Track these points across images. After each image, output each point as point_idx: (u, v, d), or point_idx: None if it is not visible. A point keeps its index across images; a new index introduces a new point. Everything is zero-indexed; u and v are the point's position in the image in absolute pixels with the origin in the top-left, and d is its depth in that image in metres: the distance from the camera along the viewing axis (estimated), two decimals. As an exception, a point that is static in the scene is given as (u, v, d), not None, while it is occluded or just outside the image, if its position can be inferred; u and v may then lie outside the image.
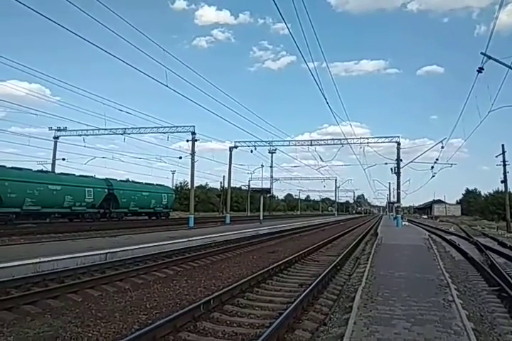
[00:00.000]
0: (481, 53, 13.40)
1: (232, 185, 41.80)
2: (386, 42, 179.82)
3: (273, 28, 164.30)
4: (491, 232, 30.41)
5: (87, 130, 33.21)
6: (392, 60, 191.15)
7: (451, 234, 28.89)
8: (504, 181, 34.67)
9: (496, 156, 34.98)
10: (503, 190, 37.95)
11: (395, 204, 36.46)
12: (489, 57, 13.39)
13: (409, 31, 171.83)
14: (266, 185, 63.20)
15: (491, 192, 70.59)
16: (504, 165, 34.05)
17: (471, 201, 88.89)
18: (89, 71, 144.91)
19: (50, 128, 36.27)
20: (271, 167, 66.83)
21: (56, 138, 36.61)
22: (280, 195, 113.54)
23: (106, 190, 31.50)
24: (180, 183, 71.88)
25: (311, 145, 35.44)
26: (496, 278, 9.21)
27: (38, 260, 9.13)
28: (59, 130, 36.17)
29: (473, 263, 12.66)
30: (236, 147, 35.12)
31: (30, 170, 26.73)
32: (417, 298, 6.42)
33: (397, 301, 6.23)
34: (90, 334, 5.10)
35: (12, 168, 24.98)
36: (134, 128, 31.73)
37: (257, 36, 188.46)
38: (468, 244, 20.10)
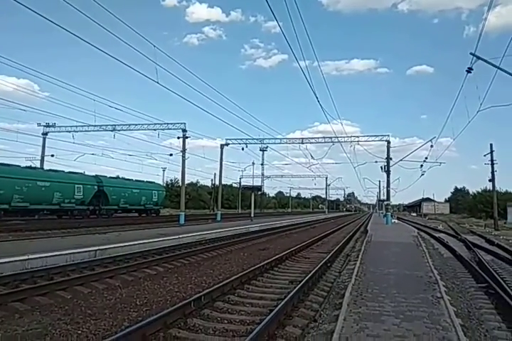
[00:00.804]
0: (470, 54, 13.55)
1: (223, 183, 41.81)
2: (377, 42, 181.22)
3: (264, 26, 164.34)
4: (479, 230, 30.81)
5: (76, 126, 32.94)
6: (383, 60, 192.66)
7: (440, 231, 29.19)
8: (492, 180, 35.13)
9: (484, 155, 35.42)
10: (491, 188, 38.44)
11: (385, 202, 36.76)
12: (478, 58, 13.54)
13: (400, 31, 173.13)
14: (257, 182, 63.32)
15: (479, 190, 71.51)
16: (492, 164, 34.49)
17: (459, 199, 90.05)
18: (79, 67, 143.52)
19: (39, 124, 35.95)
20: (262, 164, 67.04)
21: (45, 134, 36.25)
22: (271, 192, 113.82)
23: (95, 187, 31.26)
24: (171, 180, 71.77)
25: (302, 143, 35.59)
26: (484, 275, 9.33)
27: (26, 257, 9.04)
28: (48, 126, 35.81)
29: (461, 260, 12.81)
30: (227, 144, 35.12)
31: (19, 166, 26.44)
32: (406, 295, 6.49)
33: (386, 298, 6.29)
34: (80, 332, 5.07)
35: (0, 164, 24.66)
36: (124, 124, 31.52)
37: (248, 34, 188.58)
38: (457, 242, 20.33)
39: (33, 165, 31.52)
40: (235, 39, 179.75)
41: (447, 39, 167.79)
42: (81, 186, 29.49)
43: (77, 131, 33.15)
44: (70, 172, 30.26)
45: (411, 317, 5.25)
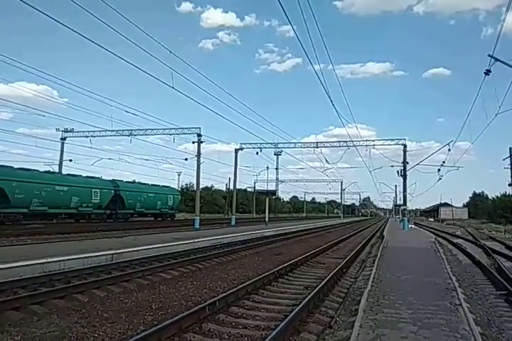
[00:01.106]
0: (488, 55, 13.32)
1: (237, 187, 41.86)
2: (392, 45, 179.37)
3: (279, 31, 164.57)
4: (498, 236, 30.16)
5: (93, 131, 33.49)
6: (399, 63, 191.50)
7: (458, 237, 28.67)
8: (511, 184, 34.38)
9: (504, 159, 34.64)
10: (511, 193, 37.63)
11: (401, 207, 36.28)
12: (496, 60, 13.31)
13: (416, 33, 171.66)
14: (271, 186, 63.30)
15: (499, 195, 70.10)
16: (512, 168, 33.76)
17: (478, 204, 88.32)
18: (96, 72, 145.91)
19: (57, 130, 36.65)
20: (276, 169, 66.91)
21: (63, 139, 36.93)
22: (286, 197, 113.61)
23: (112, 191, 31.66)
24: (186, 185, 72.26)
25: (317, 147, 35.41)
26: (504, 282, 9.12)
27: (44, 260, 9.19)
28: (66, 131, 36.48)
29: (480, 266, 12.54)
30: (242, 149, 35.18)
31: (38, 170, 26.96)
32: (423, 302, 6.38)
33: (403, 304, 6.19)
34: (96, 335, 5.12)
35: (19, 168, 25.20)
36: (140, 129, 31.93)
37: (262, 38, 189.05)
38: (475, 248, 19.93)
39: (51, 170, 32.13)
40: (249, 44, 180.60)
41: (464, 41, 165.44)
42: (98, 190, 29.92)
43: (94, 136, 33.71)
44: (87, 177, 30.74)
45: (429, 324, 5.15)
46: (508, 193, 55.95)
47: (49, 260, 9.29)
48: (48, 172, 29.08)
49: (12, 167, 24.81)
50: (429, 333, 4.77)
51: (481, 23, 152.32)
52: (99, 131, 33.12)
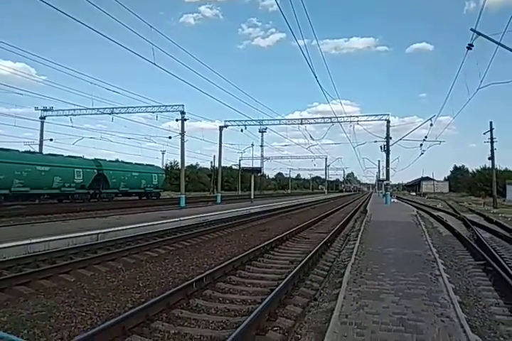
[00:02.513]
0: (471, 29, 13.24)
1: (222, 165, 41.74)
2: (376, 20, 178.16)
3: (262, 5, 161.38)
4: (478, 208, 31.01)
5: (74, 110, 32.58)
6: (382, 38, 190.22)
7: (439, 210, 29.41)
8: (491, 158, 35.10)
9: (484, 133, 35.26)
10: (490, 166, 38.46)
11: (384, 182, 36.81)
12: (479, 34, 13.26)
13: (399, 9, 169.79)
14: (256, 164, 63.35)
15: (479, 168, 71.66)
16: (492, 142, 34.38)
17: (458, 178, 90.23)
18: (76, 50, 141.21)
19: (37, 108, 35.56)
20: (261, 146, 66.76)
21: (43, 118, 35.95)
22: (271, 174, 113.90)
23: (95, 171, 31.22)
24: (171, 163, 71.75)
25: (302, 124, 35.28)
26: (482, 253, 9.44)
27: (28, 241, 9.11)
28: (45, 110, 35.47)
29: (459, 238, 12.94)
30: (226, 126, 34.86)
31: (18, 151, 26.31)
32: (405, 273, 6.57)
33: (385, 276, 6.37)
34: (84, 314, 5.15)
35: (-2, 149, 24.57)
36: (122, 107, 31.16)
37: (245, 13, 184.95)
38: (456, 220, 20.50)
39: (31, 150, 31.45)
40: (232, 18, 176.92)
41: (447, 16, 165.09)
42: (81, 170, 29.46)
43: (75, 115, 32.83)
44: (69, 157, 30.17)
45: (410, 294, 5.32)
46: (487, 167, 57.16)
47: (33, 241, 9.21)
48: (29, 152, 28.42)
49: (-10, 147, 24.18)
50: (410, 303, 4.94)
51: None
52: (80, 110, 32.29)
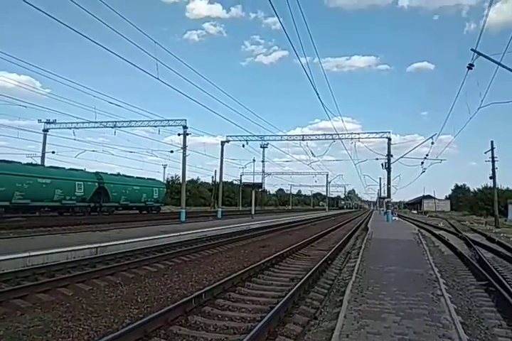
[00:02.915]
0: (471, 50, 13.46)
1: (223, 180, 41.74)
2: (377, 39, 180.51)
3: (265, 23, 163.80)
4: (480, 227, 30.81)
5: (77, 123, 32.87)
6: (384, 57, 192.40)
7: (441, 229, 29.21)
8: (493, 177, 35.10)
9: (485, 152, 35.38)
10: (492, 185, 38.40)
11: (386, 200, 36.72)
12: (479, 54, 13.46)
13: (400, 28, 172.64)
14: (258, 179, 63.20)
15: (480, 188, 71.49)
16: (493, 162, 34.45)
17: (460, 196, 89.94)
18: (80, 64, 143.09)
19: (40, 121, 35.82)
20: (263, 161, 66.69)
21: (46, 130, 36.20)
22: (272, 189, 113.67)
23: (96, 184, 31.26)
24: (172, 177, 71.72)
25: (303, 140, 35.50)
26: (484, 273, 9.34)
27: (27, 254, 9.06)
28: (48, 122, 35.74)
29: (461, 257, 12.82)
30: (228, 141, 35.05)
31: (20, 163, 26.43)
32: (406, 292, 6.50)
33: (387, 295, 6.30)
34: (81, 328, 5.09)
35: (1, 160, 24.67)
36: (124, 121, 31.47)
37: (248, 30, 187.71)
38: (457, 239, 20.35)
39: (33, 162, 31.56)
40: (235, 35, 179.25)
41: (448, 36, 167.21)
42: (82, 183, 29.50)
43: (77, 128, 33.12)
44: (70, 169, 30.26)
45: (411, 314, 5.25)
46: (489, 186, 57.04)
47: (32, 254, 9.16)
48: (30, 164, 28.55)
49: (-7, 159, 24.29)
50: (412, 323, 4.87)
51: (464, 18, 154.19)
52: (83, 123, 32.57)
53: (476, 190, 75.35)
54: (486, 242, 18.40)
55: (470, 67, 13.75)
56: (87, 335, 4.87)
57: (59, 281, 7.51)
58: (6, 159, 25.57)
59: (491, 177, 35.39)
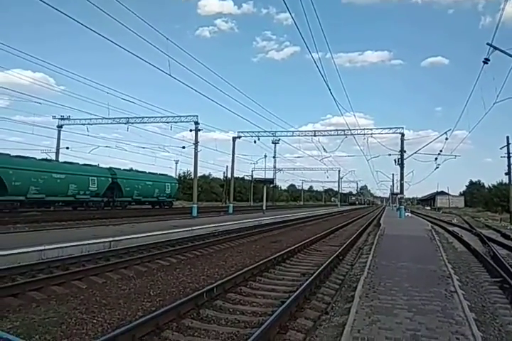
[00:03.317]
0: (487, 44, 13.19)
1: (235, 175, 41.82)
2: (391, 34, 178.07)
3: (276, 18, 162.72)
4: (494, 224, 30.37)
5: (90, 119, 33.26)
6: (397, 51, 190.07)
7: (454, 225, 28.89)
8: (508, 173, 34.46)
9: (501, 148, 34.71)
10: (507, 182, 37.74)
11: (398, 196, 36.37)
12: (495, 48, 13.19)
13: (414, 22, 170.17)
14: (269, 175, 63.29)
15: (495, 184, 70.36)
16: (508, 157, 33.81)
17: (474, 193, 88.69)
18: (93, 60, 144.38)
19: (54, 117, 36.34)
20: (274, 157, 66.65)
21: (60, 126, 36.66)
22: (283, 185, 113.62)
23: (110, 179, 31.60)
24: (184, 173, 72.15)
25: (315, 135, 35.29)
26: (499, 270, 9.22)
27: (42, 247, 9.21)
28: (63, 119, 36.20)
29: (475, 254, 12.67)
30: (239, 137, 35.03)
31: (35, 158, 26.83)
32: (419, 288, 6.45)
33: (399, 291, 6.26)
34: (95, 321, 5.17)
35: (16, 156, 25.07)
36: (137, 117, 31.74)
37: (260, 26, 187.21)
38: (471, 236, 20.10)
39: (48, 158, 31.97)
40: (247, 31, 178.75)
41: (463, 30, 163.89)
42: (95, 178, 29.85)
43: (91, 124, 33.51)
44: (84, 165, 30.62)
45: (424, 310, 5.21)
46: (504, 182, 56.07)
47: (47, 247, 9.31)
48: (45, 159, 28.94)
49: (9, 154, 24.67)
50: (424, 319, 4.83)
51: (479, 12, 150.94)
52: (96, 119, 32.92)
53: (491, 186, 74.23)
54: (501, 239, 18.14)
55: (486, 61, 13.49)
56: (101, 327, 4.95)
57: (73, 274, 7.63)
58: (22, 155, 26.01)
59: (506, 174, 34.75)
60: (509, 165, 34.01)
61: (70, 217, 21.01)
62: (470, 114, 40.99)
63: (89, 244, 10.45)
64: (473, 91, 18.25)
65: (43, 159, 28.50)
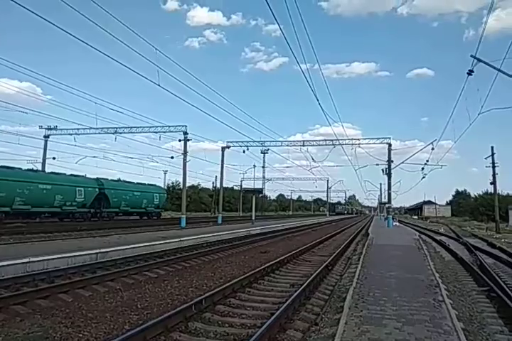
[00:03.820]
0: (471, 56, 13.52)
1: (224, 185, 41.69)
2: (377, 46, 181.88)
3: (265, 30, 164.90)
4: (481, 233, 30.71)
5: (78, 129, 32.96)
6: (383, 63, 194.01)
7: (441, 234, 29.13)
8: (493, 183, 35.06)
9: (486, 158, 35.34)
10: (492, 191, 38.36)
11: (386, 205, 36.66)
12: (479, 60, 13.51)
13: (400, 35, 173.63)
14: (258, 185, 63.21)
15: (481, 193, 71.39)
16: (493, 167, 34.41)
17: (460, 202, 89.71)
18: (82, 70, 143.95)
19: (41, 127, 35.91)
20: (263, 167, 66.67)
21: (46, 136, 36.26)
22: (272, 195, 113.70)
23: (97, 190, 31.27)
24: (172, 183, 71.67)
25: (303, 145, 35.56)
26: (485, 279, 9.31)
27: (27, 260, 9.05)
28: (49, 129, 35.83)
29: (462, 263, 12.78)
30: (228, 147, 35.11)
31: (20, 169, 26.47)
32: (407, 298, 6.47)
33: (387, 301, 6.27)
34: (81, 335, 5.07)
35: (1, 166, 24.72)
36: (125, 127, 31.56)
37: (249, 37, 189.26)
38: (458, 245, 20.29)
39: (34, 168, 31.59)
40: (235, 42, 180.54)
41: (447, 42, 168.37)
42: (82, 189, 29.51)
43: (78, 134, 33.20)
44: (71, 175, 30.29)
45: (412, 320, 5.23)
46: (489, 191, 56.94)
47: (32, 259, 9.15)
48: (31, 170, 28.59)
49: (-6, 165, 24.33)
50: (413, 329, 4.85)
51: (463, 25, 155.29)
52: (84, 129, 32.65)
53: (476, 195, 75.29)
54: (487, 248, 18.35)
55: (470, 73, 13.80)
56: (87, 342, 4.85)
57: (59, 287, 7.49)
58: (7, 165, 25.65)
59: (491, 183, 35.35)
60: (494, 175, 34.61)
61: (56, 229, 20.69)
62: (455, 124, 41.57)
63: (75, 256, 10.30)
64: (458, 102, 18.60)
65: (28, 169, 28.14)
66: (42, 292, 7.08)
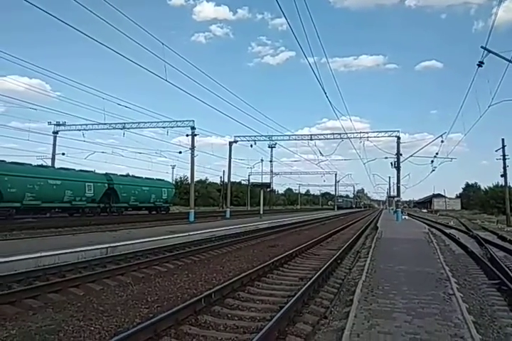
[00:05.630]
0: (481, 47, 13.31)
1: (232, 180, 41.85)
2: (385, 38, 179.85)
3: (271, 24, 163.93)
4: (491, 226, 30.46)
5: (86, 125, 33.17)
6: (391, 56, 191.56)
7: (451, 227, 28.96)
8: (504, 175, 34.64)
9: (496, 150, 34.92)
10: (503, 184, 37.94)
11: (395, 199, 36.49)
12: (489, 51, 13.30)
13: (408, 27, 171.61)
14: (266, 179, 63.30)
15: (491, 186, 70.70)
16: (504, 160, 34.00)
17: (470, 195, 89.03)
18: (90, 66, 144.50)
19: (50, 123, 36.21)
20: (271, 161, 66.72)
21: (56, 132, 36.55)
22: (280, 189, 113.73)
23: (106, 185, 31.50)
24: (180, 178, 71.96)
25: (311, 139, 35.39)
26: (496, 272, 9.23)
27: (38, 254, 9.15)
28: (58, 125, 36.10)
29: (473, 256, 12.69)
30: (236, 142, 35.06)
31: (30, 164, 26.71)
32: (417, 292, 6.45)
33: (397, 294, 6.25)
34: (92, 328, 5.13)
35: (12, 162, 24.96)
36: (133, 122, 31.68)
37: (255, 32, 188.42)
38: (468, 238, 20.14)
39: (44, 164, 31.87)
40: (242, 37, 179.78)
41: (456, 34, 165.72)
42: (92, 184, 29.74)
43: (87, 130, 33.40)
44: (80, 171, 30.51)
45: (422, 314, 5.21)
46: (500, 184, 56.38)
47: (43, 254, 9.25)
48: (41, 166, 28.83)
49: (4, 161, 24.56)
50: (423, 322, 4.83)
51: (472, 16, 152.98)
52: (92, 125, 32.86)
53: (487, 188, 74.57)
54: (498, 241, 18.19)
55: (480, 64, 13.61)
56: (99, 334, 4.91)
57: (70, 281, 7.57)
58: (17, 161, 25.90)
59: (502, 176, 34.94)
60: (504, 168, 34.20)
61: (66, 224, 20.90)
62: (465, 117, 41.16)
63: (85, 250, 10.39)
64: (468, 94, 18.42)
65: (38, 165, 28.38)
66: (53, 286, 7.17)
